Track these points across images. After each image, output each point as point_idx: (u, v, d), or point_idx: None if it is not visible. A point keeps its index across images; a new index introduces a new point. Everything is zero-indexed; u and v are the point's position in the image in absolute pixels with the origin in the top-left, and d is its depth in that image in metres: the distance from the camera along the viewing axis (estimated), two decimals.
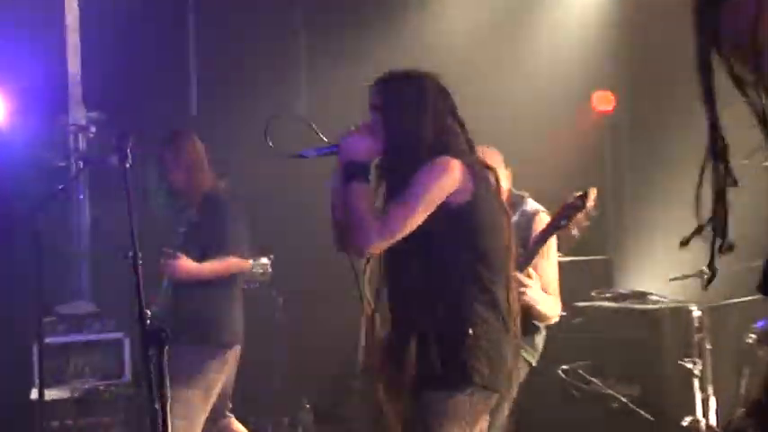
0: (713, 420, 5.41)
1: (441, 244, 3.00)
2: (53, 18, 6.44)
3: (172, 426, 4.51)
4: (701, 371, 5.41)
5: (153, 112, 6.59)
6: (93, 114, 6.37)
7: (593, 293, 6.14)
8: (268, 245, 5.73)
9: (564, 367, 5.65)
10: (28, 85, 6.26)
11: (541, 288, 4.05)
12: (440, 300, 3.00)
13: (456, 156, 3.00)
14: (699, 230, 1.26)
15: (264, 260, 5.77)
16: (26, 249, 4.82)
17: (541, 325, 4.15)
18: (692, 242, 1.29)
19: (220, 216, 4.74)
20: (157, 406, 2.89)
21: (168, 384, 2.93)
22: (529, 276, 4.00)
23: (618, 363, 5.68)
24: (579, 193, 3.99)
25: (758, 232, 1.91)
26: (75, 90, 6.39)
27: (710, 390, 5.42)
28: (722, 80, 1.22)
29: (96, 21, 6.49)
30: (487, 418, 3.05)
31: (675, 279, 5.67)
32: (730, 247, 1.24)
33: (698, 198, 1.23)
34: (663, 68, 6.57)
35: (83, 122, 6.36)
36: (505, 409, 3.17)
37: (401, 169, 3.03)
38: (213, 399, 4.69)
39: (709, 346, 5.47)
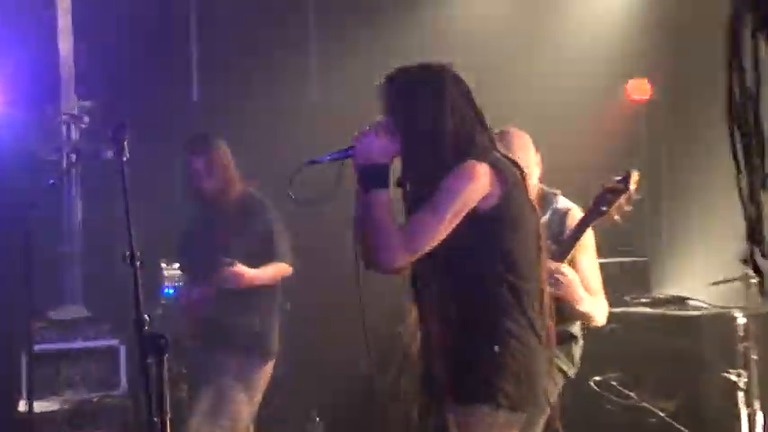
0: None
1: (467, 256, 2.98)
2: None
3: (218, 424, 4.67)
4: (747, 383, 5.38)
5: (151, 98, 6.59)
6: (87, 103, 6.34)
7: (627, 298, 6.12)
8: None
9: (596, 378, 5.64)
10: (15, 72, 6.26)
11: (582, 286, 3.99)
12: (466, 316, 2.99)
13: (481, 155, 2.98)
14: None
15: None
16: (14, 249, 4.82)
17: (579, 334, 4.11)
18: (735, 243, 1.26)
19: (264, 219, 4.92)
20: (157, 419, 2.86)
21: (168, 396, 2.89)
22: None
23: (654, 374, 5.66)
24: (620, 176, 3.95)
25: None
26: (68, 77, 6.37)
27: (757, 404, 5.39)
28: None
29: (91, 0, 6.48)
30: None
31: (717, 283, 5.64)
32: None
33: (742, 195, 1.20)
34: (704, 52, 6.52)
35: (75, 112, 6.34)
36: (540, 425, 3.15)
37: (423, 173, 3.01)
38: (255, 408, 4.94)
39: (755, 357, 5.43)
